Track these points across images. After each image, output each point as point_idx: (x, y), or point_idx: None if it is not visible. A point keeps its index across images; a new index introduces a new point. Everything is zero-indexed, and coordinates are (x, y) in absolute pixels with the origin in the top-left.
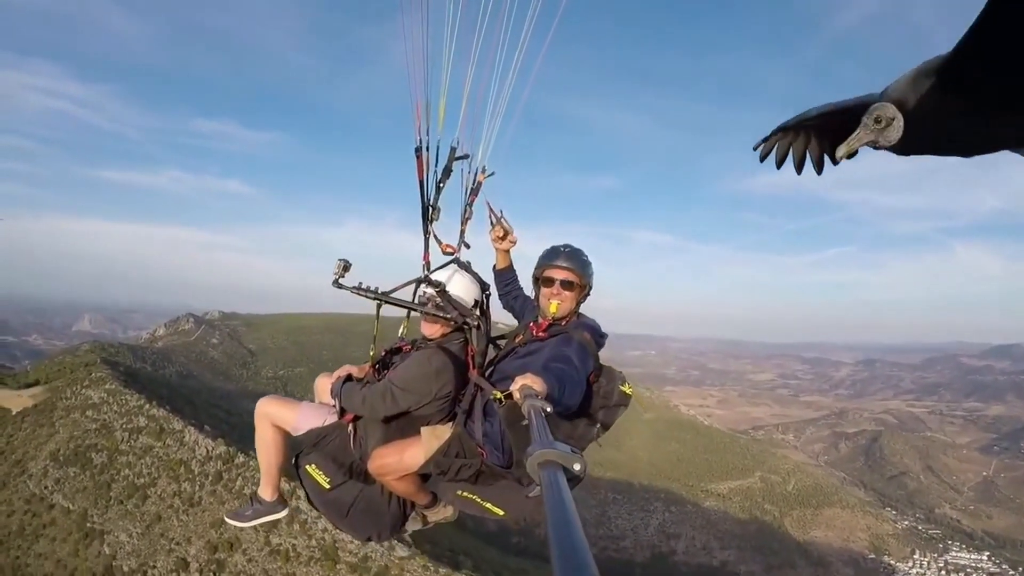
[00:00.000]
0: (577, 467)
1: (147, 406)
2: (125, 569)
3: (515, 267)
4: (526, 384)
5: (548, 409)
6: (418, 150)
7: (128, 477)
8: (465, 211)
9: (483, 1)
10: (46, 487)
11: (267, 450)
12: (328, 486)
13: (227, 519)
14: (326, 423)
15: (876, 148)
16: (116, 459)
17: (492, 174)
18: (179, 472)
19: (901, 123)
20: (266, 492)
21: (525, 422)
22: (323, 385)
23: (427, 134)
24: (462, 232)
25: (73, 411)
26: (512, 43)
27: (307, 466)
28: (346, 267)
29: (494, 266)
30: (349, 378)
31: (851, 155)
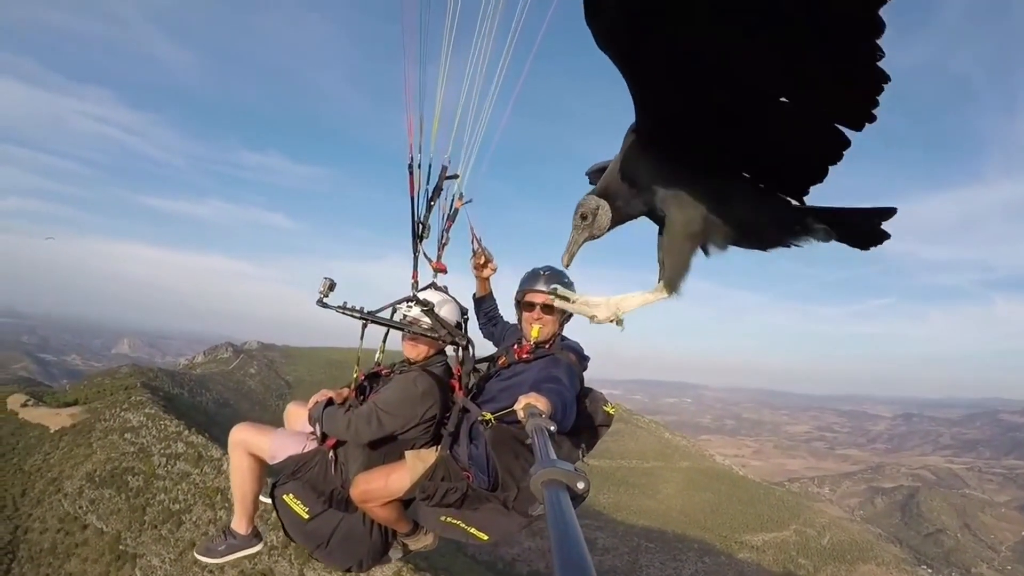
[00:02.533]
0: (581, 486)
1: (186, 432)
2: None
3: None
4: (530, 403)
5: (552, 428)
6: (411, 167)
7: (164, 502)
8: (442, 237)
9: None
10: (80, 507)
11: (242, 480)
12: (307, 516)
13: (197, 556)
14: (305, 450)
15: (596, 239)
16: (152, 483)
17: (470, 201)
18: (215, 500)
19: (607, 209)
20: (240, 525)
21: (529, 441)
22: (296, 413)
23: (419, 152)
24: (439, 257)
25: (111, 433)
26: (490, 71)
27: (284, 496)
28: (331, 286)
29: (474, 294)
30: (329, 402)
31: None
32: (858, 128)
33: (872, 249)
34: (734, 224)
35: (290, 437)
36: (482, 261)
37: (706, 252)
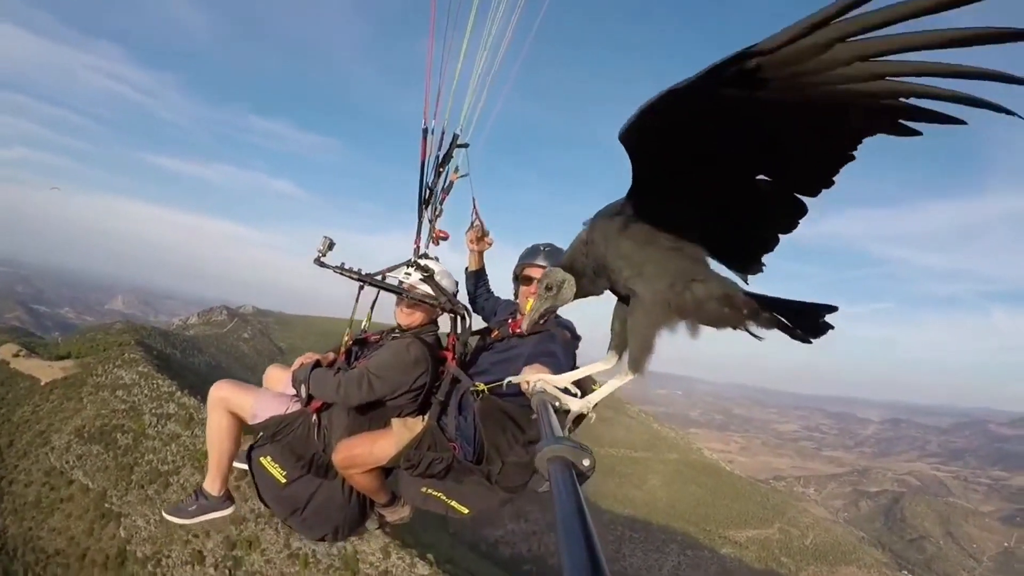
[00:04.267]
0: (586, 463)
1: (178, 393)
2: (139, 555)
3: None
4: (539, 377)
5: (558, 404)
6: (424, 132)
7: (152, 462)
8: (436, 209)
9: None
10: (67, 462)
11: (220, 439)
12: (284, 480)
13: (166, 515)
14: (288, 411)
15: (556, 310)
16: (141, 443)
17: (465, 175)
18: (204, 464)
19: (572, 284)
20: (213, 486)
21: (534, 416)
22: (276, 375)
23: (433, 118)
24: (431, 229)
25: (103, 389)
26: (489, 53)
27: (261, 458)
28: (330, 245)
29: (466, 268)
30: (316, 365)
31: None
32: (815, 195)
33: (812, 342)
34: (696, 306)
35: (273, 398)
36: (479, 234)
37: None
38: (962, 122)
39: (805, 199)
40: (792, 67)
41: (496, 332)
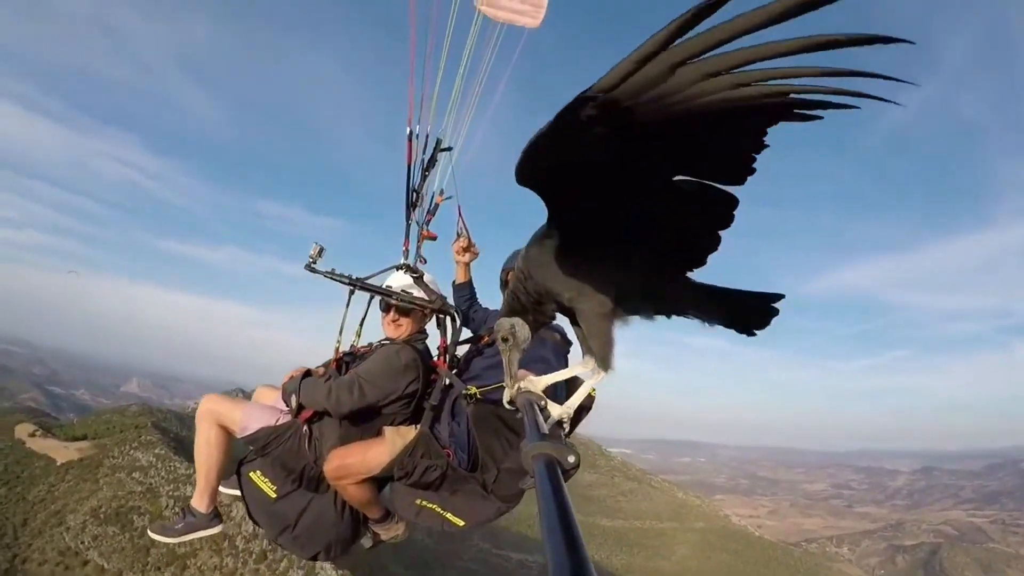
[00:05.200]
0: (571, 459)
1: (195, 476)
2: None
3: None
4: (524, 378)
5: (543, 403)
6: (409, 136)
7: (169, 545)
8: (422, 229)
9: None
10: (82, 542)
11: (208, 453)
12: (274, 495)
13: (152, 534)
14: (278, 423)
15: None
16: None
17: (449, 198)
18: (222, 546)
19: (522, 324)
20: (201, 503)
21: (520, 415)
22: (265, 394)
23: (418, 124)
24: (418, 248)
25: (119, 470)
26: (470, 78)
27: (251, 473)
28: (321, 251)
29: (454, 281)
30: (307, 375)
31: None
32: (741, 183)
33: (757, 333)
34: (639, 308)
35: (263, 410)
36: (465, 244)
37: (622, 322)
38: (853, 107)
39: (734, 189)
40: (645, 95)
41: (487, 338)
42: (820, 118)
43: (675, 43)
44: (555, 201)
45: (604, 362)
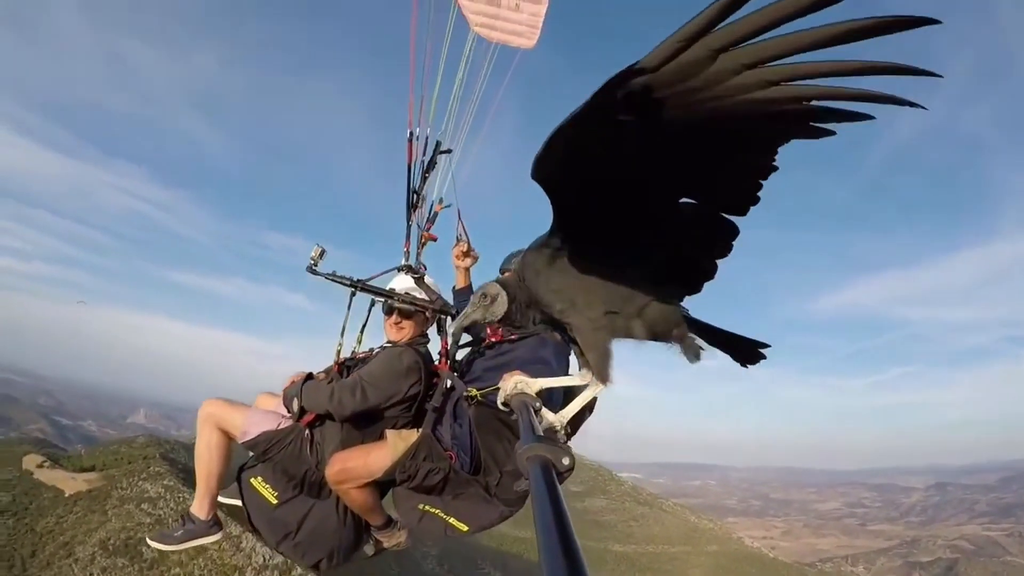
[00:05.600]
0: (565, 461)
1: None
2: None
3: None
4: (517, 380)
5: (537, 405)
6: (410, 138)
7: (169, 552)
8: (421, 238)
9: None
10: (92, 574)
11: (208, 457)
12: (275, 501)
13: (151, 542)
14: (279, 427)
15: (486, 322)
16: (168, 556)
17: (449, 206)
18: None
19: (504, 299)
20: (201, 510)
21: (515, 417)
22: (266, 401)
23: (418, 126)
24: (418, 255)
25: (128, 502)
26: (467, 91)
27: (252, 479)
28: (322, 253)
29: (454, 287)
30: (309, 378)
31: (461, 332)
32: (744, 214)
33: (748, 367)
34: (630, 331)
35: (264, 415)
36: (465, 249)
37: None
38: (869, 117)
39: (736, 219)
40: (683, 84)
41: (488, 340)
42: (833, 133)
43: (718, 26)
44: (563, 202)
45: (601, 375)
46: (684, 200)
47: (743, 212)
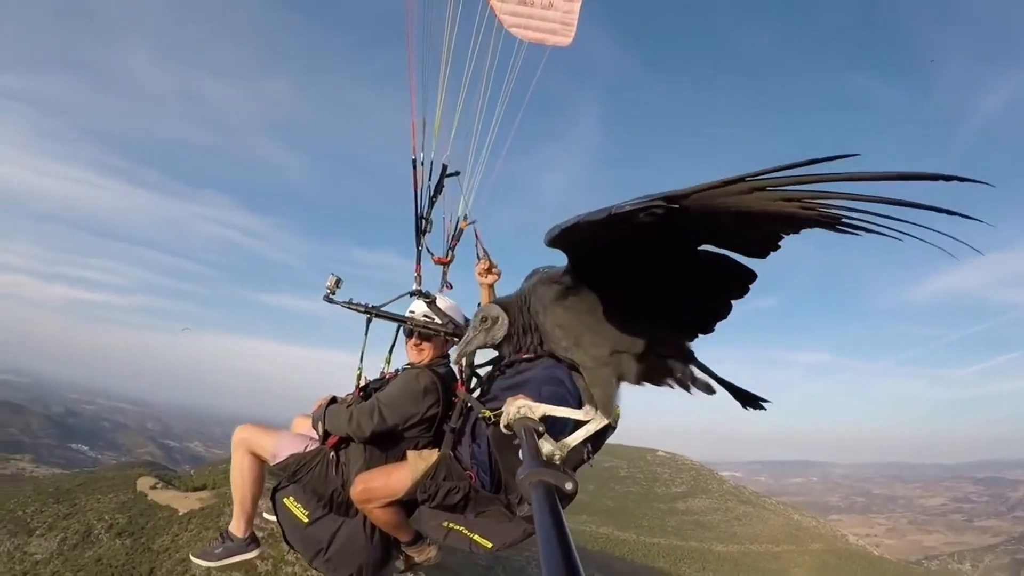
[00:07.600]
0: (568, 486)
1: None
2: None
3: None
4: (520, 404)
5: (540, 429)
6: (414, 164)
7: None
8: (448, 255)
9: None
10: None
11: (242, 480)
12: (307, 520)
13: (193, 558)
14: (307, 449)
15: (486, 347)
16: (281, 569)
17: (474, 222)
18: None
19: (505, 321)
20: (239, 528)
21: (517, 441)
22: (301, 423)
23: (422, 151)
24: (444, 274)
25: None
26: (490, 107)
27: (284, 499)
28: (338, 282)
29: (479, 304)
30: (333, 401)
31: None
32: (764, 256)
33: (751, 410)
34: (636, 373)
35: (293, 438)
36: (487, 266)
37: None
38: (897, 239)
39: (753, 262)
40: (711, 204)
41: (505, 359)
42: (859, 234)
43: (764, 176)
44: (580, 260)
45: (606, 411)
46: (703, 247)
47: (764, 255)
